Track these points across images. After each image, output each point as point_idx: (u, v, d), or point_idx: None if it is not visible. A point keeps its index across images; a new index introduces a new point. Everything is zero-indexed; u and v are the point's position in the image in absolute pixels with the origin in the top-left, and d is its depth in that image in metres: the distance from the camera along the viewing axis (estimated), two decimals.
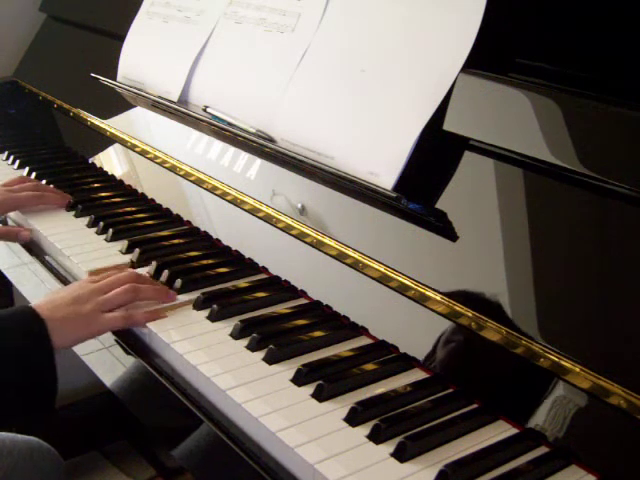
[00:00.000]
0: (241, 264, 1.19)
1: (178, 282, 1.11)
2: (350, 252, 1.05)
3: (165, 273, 1.13)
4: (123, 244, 1.25)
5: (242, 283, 1.13)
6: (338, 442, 0.81)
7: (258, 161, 1.24)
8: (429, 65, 1.03)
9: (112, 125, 1.61)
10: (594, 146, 0.86)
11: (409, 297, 0.97)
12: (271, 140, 1.20)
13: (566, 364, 0.81)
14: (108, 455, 2.08)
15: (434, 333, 0.94)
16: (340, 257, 1.06)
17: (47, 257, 1.30)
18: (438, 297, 0.94)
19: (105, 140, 1.62)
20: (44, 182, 1.51)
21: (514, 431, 0.84)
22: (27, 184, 1.41)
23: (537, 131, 0.90)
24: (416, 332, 0.98)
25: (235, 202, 1.25)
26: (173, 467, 1.98)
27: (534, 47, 1.00)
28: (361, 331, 1.02)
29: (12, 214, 1.39)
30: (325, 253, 1.09)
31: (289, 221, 1.15)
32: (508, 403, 0.87)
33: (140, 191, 1.48)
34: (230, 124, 1.28)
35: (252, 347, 0.97)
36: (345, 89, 1.12)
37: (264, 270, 1.17)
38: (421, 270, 0.97)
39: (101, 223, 1.32)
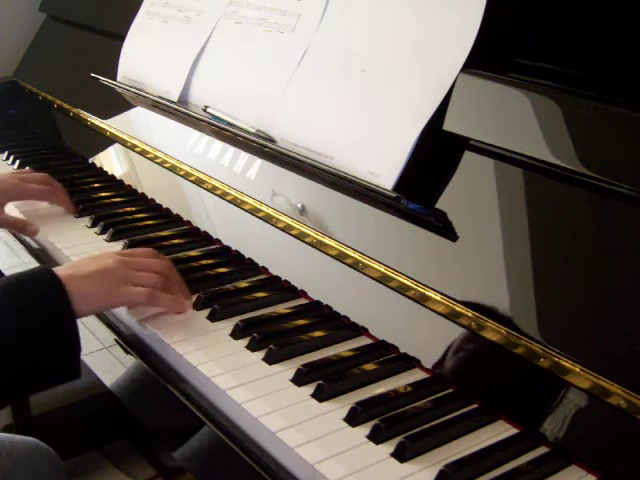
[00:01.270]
0: (241, 264, 1.19)
1: None
2: (350, 252, 1.05)
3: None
4: (123, 244, 1.25)
5: (242, 283, 1.13)
6: (338, 442, 0.81)
7: (258, 161, 1.24)
8: (429, 65, 1.03)
9: (112, 125, 1.61)
10: (594, 146, 0.86)
11: (409, 297, 0.97)
12: (271, 140, 1.20)
13: (566, 364, 0.81)
14: (108, 455, 2.08)
15: (434, 333, 0.94)
16: (340, 257, 1.06)
17: (47, 256, 1.30)
18: (438, 297, 0.94)
19: (105, 140, 1.62)
20: None
21: (514, 431, 0.84)
22: (38, 176, 1.38)
23: (537, 131, 0.90)
24: (416, 332, 0.98)
25: (235, 202, 1.25)
26: (173, 467, 1.98)
27: (534, 47, 1.00)
28: (361, 331, 1.02)
29: (15, 214, 1.38)
30: (325, 253, 1.08)
31: (289, 221, 1.15)
32: (508, 403, 0.87)
33: (140, 191, 1.48)
34: (230, 124, 1.28)
35: (252, 347, 0.97)
36: (345, 89, 1.12)
37: (264, 270, 1.17)
38: (421, 270, 0.97)
39: (101, 223, 1.32)
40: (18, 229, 1.33)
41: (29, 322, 0.89)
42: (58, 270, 0.96)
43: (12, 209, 1.37)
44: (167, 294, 1.03)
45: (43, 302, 0.91)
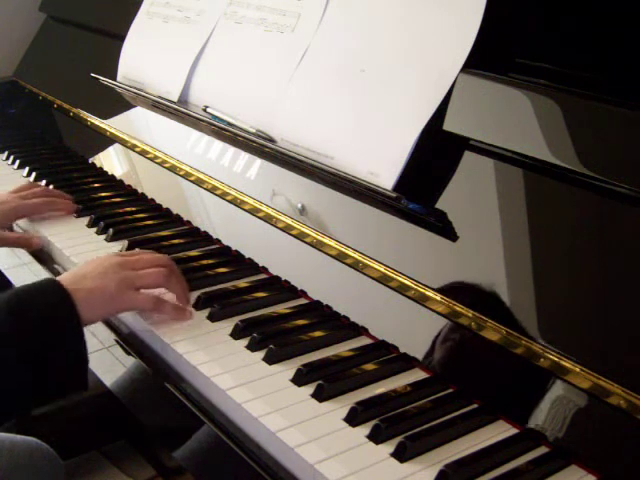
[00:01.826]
0: (241, 264, 1.19)
1: None
2: (350, 252, 1.05)
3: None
4: (123, 244, 1.24)
5: (242, 283, 1.13)
6: (338, 442, 0.81)
7: (258, 161, 1.24)
8: (429, 65, 1.03)
9: (112, 125, 1.61)
10: (594, 146, 0.86)
11: (409, 297, 0.97)
12: (271, 140, 1.20)
13: (566, 364, 0.81)
14: (108, 455, 2.08)
15: (434, 333, 0.94)
16: (340, 257, 1.06)
17: (47, 256, 1.30)
18: (438, 297, 0.94)
19: (105, 140, 1.62)
20: (44, 182, 1.51)
21: (514, 431, 0.84)
22: (37, 190, 1.37)
23: (537, 131, 0.90)
24: (416, 332, 0.98)
25: (235, 202, 1.25)
26: (173, 467, 1.97)
27: (534, 47, 1.00)
28: (361, 331, 1.02)
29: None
30: (325, 253, 1.08)
31: (289, 221, 1.15)
32: (508, 403, 0.87)
33: (140, 191, 1.48)
34: (230, 124, 1.28)
35: (252, 347, 0.97)
36: (345, 89, 1.12)
37: (264, 270, 1.17)
38: (421, 270, 0.97)
39: (101, 223, 1.32)
40: (22, 246, 1.32)
41: (38, 335, 0.89)
42: (63, 280, 0.96)
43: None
44: (171, 303, 1.03)
45: (52, 315, 0.91)
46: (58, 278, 0.97)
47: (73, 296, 0.93)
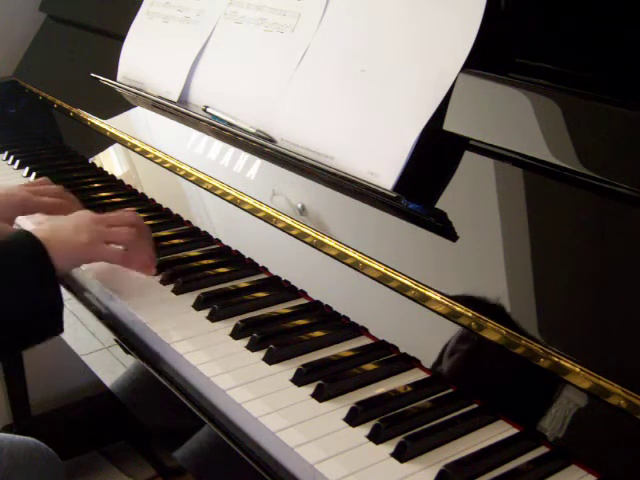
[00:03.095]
0: (241, 264, 1.19)
1: (178, 282, 1.11)
2: (350, 252, 1.05)
3: (165, 273, 1.13)
4: None
5: (242, 283, 1.13)
6: (338, 442, 0.81)
7: (258, 161, 1.24)
8: (429, 65, 1.03)
9: (112, 125, 1.61)
10: (594, 146, 0.86)
11: (409, 297, 0.97)
12: (271, 140, 1.20)
13: (566, 364, 0.81)
14: (108, 455, 2.09)
15: (434, 333, 0.94)
16: (340, 257, 1.06)
17: None
18: (438, 297, 0.94)
19: (105, 140, 1.62)
20: None
21: (514, 431, 0.84)
22: (51, 189, 1.33)
23: (537, 131, 0.90)
24: (416, 332, 0.98)
25: (235, 202, 1.25)
26: (173, 467, 1.98)
27: (534, 47, 1.00)
28: (361, 331, 1.02)
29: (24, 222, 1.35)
30: (325, 253, 1.08)
31: (289, 221, 1.15)
32: (508, 403, 0.87)
33: (140, 191, 1.48)
34: (230, 124, 1.28)
35: (252, 347, 0.97)
36: (345, 89, 1.12)
37: (264, 270, 1.17)
38: (421, 270, 0.97)
39: None
40: None
41: (13, 281, 0.95)
42: (36, 231, 1.02)
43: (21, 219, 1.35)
44: (139, 258, 1.11)
45: (27, 261, 0.97)
46: (33, 230, 1.03)
47: (46, 245, 0.99)
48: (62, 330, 0.99)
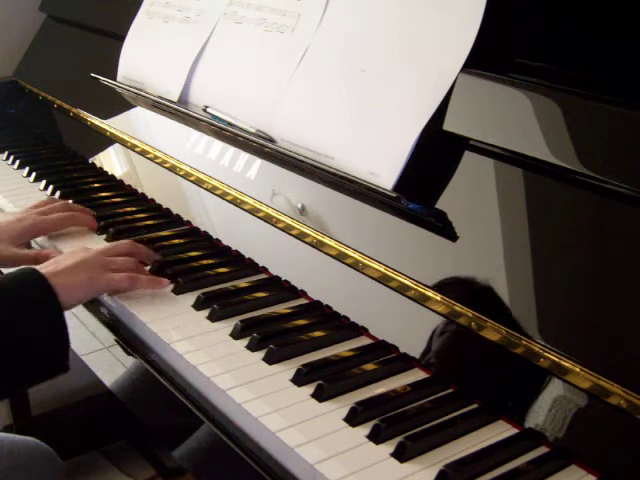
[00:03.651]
0: (241, 264, 1.19)
1: (178, 282, 1.11)
2: (350, 252, 1.05)
3: (165, 273, 1.13)
4: None
5: (242, 283, 1.13)
6: (338, 442, 0.81)
7: (258, 161, 1.24)
8: (429, 65, 1.03)
9: (112, 125, 1.61)
10: (594, 146, 0.86)
11: (409, 297, 0.97)
12: (271, 140, 1.20)
13: (566, 364, 0.81)
14: (108, 455, 2.08)
15: (434, 333, 0.94)
16: (340, 257, 1.06)
17: None
18: (438, 297, 0.94)
19: (105, 140, 1.62)
20: (44, 182, 1.52)
21: (514, 431, 0.84)
22: (56, 205, 1.32)
23: (537, 131, 0.90)
24: (416, 332, 0.98)
25: (235, 202, 1.25)
26: (173, 467, 1.98)
27: (534, 47, 1.00)
28: (361, 331, 1.02)
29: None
30: (325, 253, 1.08)
31: (289, 221, 1.15)
32: (508, 403, 0.87)
33: (140, 191, 1.48)
34: (230, 124, 1.28)
35: (252, 347, 0.97)
36: (345, 89, 1.12)
37: (264, 270, 1.17)
38: (421, 270, 0.97)
39: (101, 223, 1.32)
40: (34, 262, 1.30)
41: (18, 319, 0.93)
42: (41, 268, 1.01)
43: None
44: (145, 275, 1.10)
45: (31, 299, 0.96)
46: (37, 267, 1.01)
47: (51, 281, 0.98)
48: (67, 369, 0.97)
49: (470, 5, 1.00)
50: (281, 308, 1.07)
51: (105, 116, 1.64)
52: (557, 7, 0.99)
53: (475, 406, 0.87)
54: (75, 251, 1.09)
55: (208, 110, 1.34)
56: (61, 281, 0.99)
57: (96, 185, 1.53)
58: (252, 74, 1.30)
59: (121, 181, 1.54)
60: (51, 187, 1.50)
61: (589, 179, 0.85)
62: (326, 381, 0.88)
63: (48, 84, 1.90)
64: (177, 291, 1.10)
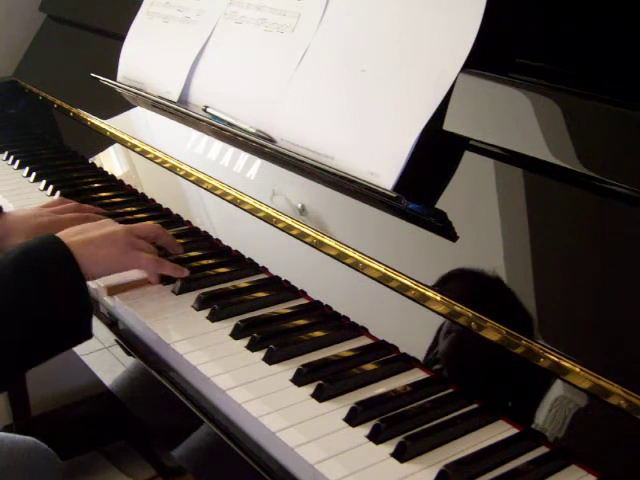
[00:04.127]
0: (241, 264, 1.19)
1: (178, 282, 1.11)
2: (350, 252, 1.05)
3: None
4: None
5: (242, 283, 1.13)
6: (338, 442, 0.81)
7: (258, 161, 1.24)
8: (429, 65, 1.03)
9: (112, 125, 1.61)
10: (594, 146, 0.86)
11: (409, 297, 0.97)
12: (271, 140, 1.20)
13: (566, 364, 0.81)
14: (108, 455, 2.08)
15: (434, 333, 0.94)
16: (340, 257, 1.06)
17: None
18: (438, 297, 0.94)
19: (105, 140, 1.62)
20: (44, 182, 1.52)
21: (514, 431, 0.84)
22: (69, 205, 1.33)
23: (537, 131, 0.90)
24: (416, 332, 0.98)
25: (235, 202, 1.25)
26: (173, 467, 1.98)
27: (534, 47, 1.00)
28: (361, 331, 1.02)
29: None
30: (325, 253, 1.09)
31: (289, 221, 1.15)
32: (508, 403, 0.87)
33: (140, 191, 1.48)
34: (230, 124, 1.28)
35: (252, 347, 0.97)
36: (345, 89, 1.12)
37: (264, 270, 1.17)
38: (421, 270, 0.97)
39: None
40: None
41: (39, 287, 0.92)
42: (64, 237, 1.00)
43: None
44: (170, 263, 1.11)
45: (54, 269, 0.95)
46: (61, 234, 1.01)
47: (75, 250, 0.97)
48: (91, 335, 0.96)
49: (470, 5, 1.00)
50: (281, 308, 1.07)
51: (105, 116, 1.64)
52: (557, 7, 0.99)
53: (475, 406, 0.87)
54: (103, 223, 1.10)
55: (208, 110, 1.34)
56: (87, 251, 1.00)
57: (96, 185, 1.54)
58: (252, 74, 1.30)
59: (121, 181, 1.54)
60: (51, 187, 1.50)
61: (589, 179, 0.85)
62: (326, 381, 0.88)
63: (48, 84, 1.90)
64: (177, 291, 1.10)
